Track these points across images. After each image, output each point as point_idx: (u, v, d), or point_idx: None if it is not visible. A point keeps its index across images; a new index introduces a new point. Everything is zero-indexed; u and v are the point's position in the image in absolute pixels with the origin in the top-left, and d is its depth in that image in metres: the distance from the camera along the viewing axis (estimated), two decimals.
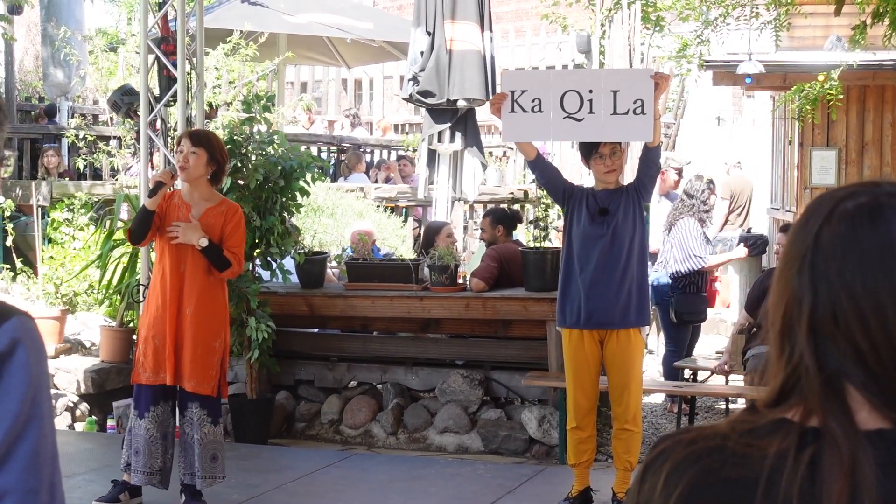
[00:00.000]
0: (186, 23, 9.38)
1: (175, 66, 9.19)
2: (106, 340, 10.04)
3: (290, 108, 18.88)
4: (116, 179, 14.13)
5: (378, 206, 14.56)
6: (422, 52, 11.28)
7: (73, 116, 16.33)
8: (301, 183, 9.21)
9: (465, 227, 14.92)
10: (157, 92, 9.55)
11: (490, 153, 16.46)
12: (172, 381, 6.91)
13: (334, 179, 16.49)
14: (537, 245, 9.28)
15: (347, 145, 18.38)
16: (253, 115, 9.24)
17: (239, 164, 8.97)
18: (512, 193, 14.32)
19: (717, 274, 12.44)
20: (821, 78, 9.89)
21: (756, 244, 14.36)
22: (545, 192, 8.25)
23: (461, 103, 11.16)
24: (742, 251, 11.97)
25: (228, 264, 6.97)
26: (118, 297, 10.54)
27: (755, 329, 9.19)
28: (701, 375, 10.43)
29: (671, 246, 10.58)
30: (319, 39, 19.14)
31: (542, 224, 9.32)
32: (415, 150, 17.03)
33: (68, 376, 9.76)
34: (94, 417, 9.68)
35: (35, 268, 11.53)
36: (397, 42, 17.99)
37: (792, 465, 1.35)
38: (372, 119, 23.97)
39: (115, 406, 9.43)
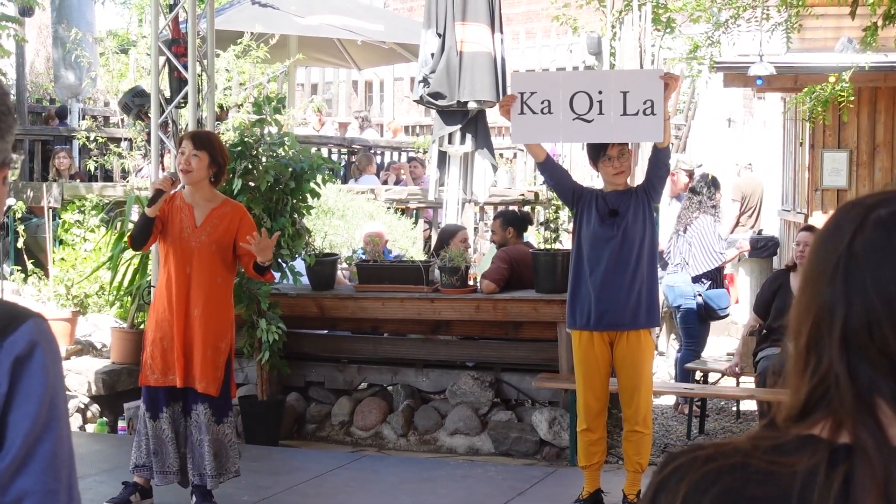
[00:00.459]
0: (197, 24, 9.40)
1: (186, 67, 9.21)
2: (117, 342, 10.05)
3: (300, 109, 18.89)
4: (127, 181, 14.15)
5: (388, 208, 14.57)
6: (432, 54, 11.28)
7: (83, 118, 16.35)
8: (311, 185, 9.21)
9: (476, 229, 14.91)
10: (167, 94, 9.57)
11: (500, 155, 16.46)
12: (183, 383, 6.92)
13: (345, 181, 16.49)
14: (548, 247, 9.27)
15: (358, 147, 18.39)
16: (263, 116, 9.25)
17: (249, 166, 8.98)
18: (522, 195, 14.33)
19: (730, 271, 12.47)
20: (832, 80, 9.87)
21: (766, 246, 14.34)
22: (555, 194, 8.24)
23: (472, 105, 11.16)
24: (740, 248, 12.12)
25: (269, 268, 7.13)
26: (129, 298, 10.56)
27: (765, 331, 9.19)
28: (712, 377, 10.42)
29: (689, 245, 10.60)
30: (330, 41, 19.17)
31: (552, 226, 9.32)
32: (425, 152, 17.03)
33: (79, 378, 9.78)
34: (104, 419, 9.70)
35: (46, 269, 11.56)
36: (408, 44, 18.00)
37: (823, 483, 1.31)
38: (382, 121, 23.98)
39: (126, 407, 9.44)
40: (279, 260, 9.24)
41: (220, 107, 13.37)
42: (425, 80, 11.30)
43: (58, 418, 1.76)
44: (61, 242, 12.32)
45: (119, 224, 11.23)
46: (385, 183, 16.89)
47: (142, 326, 9.80)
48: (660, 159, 7.11)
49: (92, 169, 15.04)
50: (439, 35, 11.23)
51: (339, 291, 9.82)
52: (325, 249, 10.24)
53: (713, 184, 10.97)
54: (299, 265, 9.57)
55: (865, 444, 1.32)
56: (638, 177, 8.16)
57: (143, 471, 7.10)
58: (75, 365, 9.94)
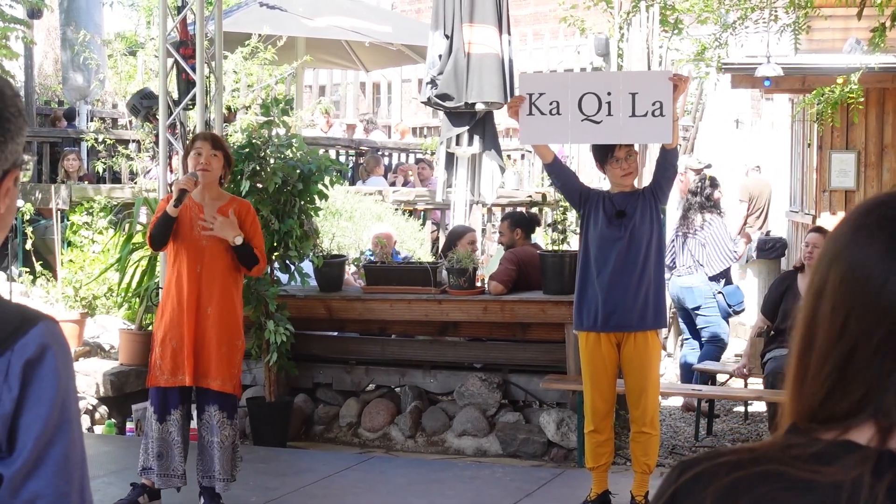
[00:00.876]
0: (205, 26, 9.41)
1: (194, 69, 9.22)
2: (125, 343, 10.06)
3: (308, 111, 18.90)
4: (135, 183, 14.17)
5: (396, 210, 14.57)
6: (440, 56, 11.28)
7: (92, 120, 16.39)
8: (319, 186, 9.22)
9: (484, 231, 14.91)
10: (175, 95, 9.58)
11: (508, 156, 16.46)
12: (192, 382, 6.94)
13: (352, 183, 16.50)
14: (555, 248, 9.27)
15: (366, 148, 18.40)
16: (271, 118, 9.25)
17: (257, 168, 8.98)
18: (530, 197, 14.32)
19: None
20: (840, 81, 9.85)
21: (774, 247, 14.34)
22: (562, 196, 8.24)
23: (479, 106, 11.16)
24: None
25: (257, 261, 7.08)
26: (137, 300, 10.58)
27: (773, 332, 9.18)
28: (720, 378, 10.41)
29: (703, 246, 10.60)
30: (338, 43, 19.17)
31: (560, 227, 9.31)
32: (433, 154, 17.03)
33: (87, 379, 9.79)
34: (113, 420, 9.71)
35: (54, 271, 11.57)
36: (415, 45, 18.00)
37: (869, 494, 1.27)
38: (390, 122, 23.99)
39: (135, 409, 9.45)
40: (287, 261, 9.25)
41: (228, 108, 13.38)
42: (433, 82, 11.30)
43: (69, 420, 1.77)
44: (69, 244, 12.34)
45: (127, 226, 11.25)
46: (393, 184, 16.89)
47: (150, 328, 9.81)
48: (668, 160, 7.11)
49: (100, 171, 15.07)
50: (447, 37, 11.24)
51: (347, 293, 9.82)
52: (332, 251, 10.24)
53: (711, 183, 11.01)
54: (307, 267, 9.58)
55: None
56: (646, 178, 8.15)
57: (150, 473, 7.11)
58: (83, 366, 9.95)
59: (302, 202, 9.23)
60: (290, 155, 9.18)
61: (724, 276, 10.86)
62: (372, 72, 23.29)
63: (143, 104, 10.23)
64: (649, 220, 7.00)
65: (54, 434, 1.74)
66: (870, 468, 1.29)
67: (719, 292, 10.72)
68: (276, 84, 16.55)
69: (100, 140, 14.77)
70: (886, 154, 12.47)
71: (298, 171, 9.08)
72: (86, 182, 14.76)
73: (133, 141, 14.83)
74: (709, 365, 10.46)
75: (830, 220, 11.76)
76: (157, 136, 9.88)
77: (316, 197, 9.27)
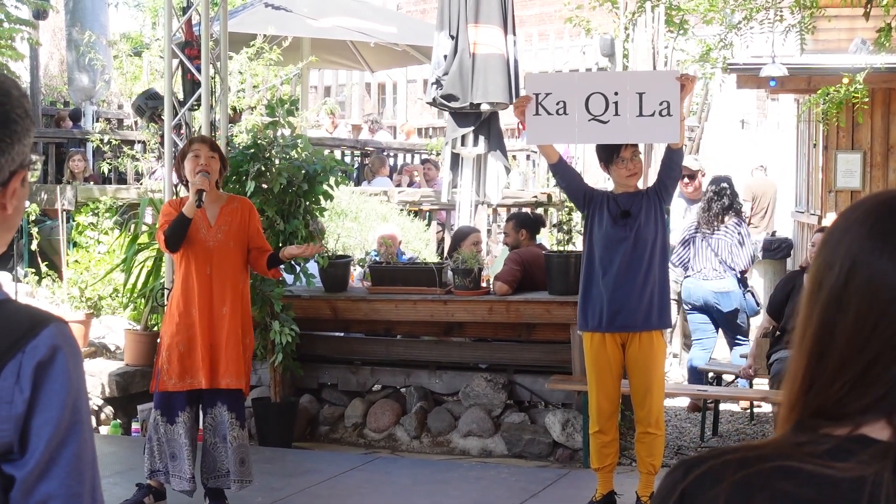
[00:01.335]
0: (210, 27, 9.41)
1: (199, 70, 9.23)
2: (130, 344, 10.07)
3: (313, 112, 18.91)
4: (141, 183, 14.17)
5: (401, 210, 14.57)
6: (445, 56, 11.28)
7: (97, 121, 16.40)
8: (325, 187, 9.22)
9: (489, 231, 14.91)
10: (181, 96, 9.59)
11: (513, 157, 16.45)
12: (209, 384, 6.95)
13: (358, 183, 16.50)
14: (560, 249, 9.26)
15: (371, 149, 18.40)
16: (277, 119, 9.26)
17: (263, 168, 8.99)
18: (535, 197, 14.31)
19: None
20: (845, 81, 9.85)
21: (780, 247, 14.32)
22: (566, 196, 8.24)
23: (484, 107, 11.16)
24: None
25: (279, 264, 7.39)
26: (142, 300, 10.58)
27: (779, 333, 9.16)
28: (725, 379, 10.40)
29: (733, 247, 10.53)
30: (343, 43, 19.18)
31: (565, 227, 9.31)
32: (438, 154, 17.03)
33: (93, 380, 9.80)
34: (118, 421, 9.72)
35: (60, 271, 11.58)
36: (421, 46, 18.00)
37: (890, 487, 1.28)
38: (395, 123, 23.99)
39: (140, 409, 9.46)
40: (292, 262, 9.25)
41: (234, 109, 13.38)
42: (438, 82, 11.30)
43: (81, 421, 1.78)
44: (75, 245, 12.34)
45: (133, 226, 11.25)
46: (398, 185, 16.89)
47: (156, 328, 9.83)
48: (673, 160, 7.10)
49: (106, 171, 15.07)
50: (452, 37, 11.23)
51: (352, 293, 9.83)
52: (338, 251, 10.24)
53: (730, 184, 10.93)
54: (312, 267, 9.58)
55: None
56: (650, 179, 8.15)
57: (159, 475, 7.12)
58: (89, 367, 9.95)
59: (307, 203, 9.24)
60: (296, 155, 9.19)
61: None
62: (377, 72, 23.29)
63: (149, 105, 10.25)
64: (654, 220, 6.99)
65: (66, 435, 1.75)
66: (889, 463, 1.29)
67: (748, 291, 10.72)
68: (282, 85, 16.54)
69: (105, 141, 14.77)
70: (892, 154, 12.46)
71: (304, 171, 9.08)
72: (91, 183, 14.77)
73: (138, 142, 14.83)
74: (714, 365, 10.44)
75: None
76: (162, 136, 9.89)
77: (321, 197, 9.27)
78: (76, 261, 11.56)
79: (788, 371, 1.45)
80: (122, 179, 15.32)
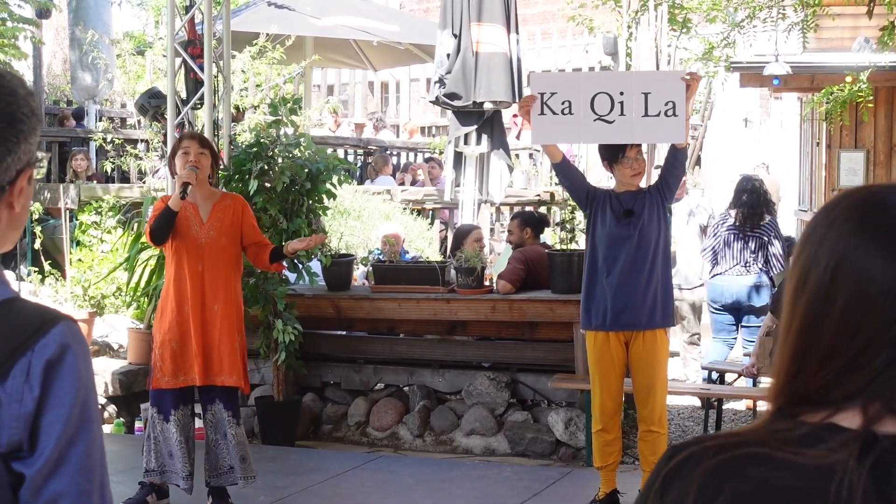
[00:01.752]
0: (213, 26, 9.42)
1: (202, 69, 9.23)
2: (133, 343, 10.08)
3: (316, 110, 18.90)
4: (144, 182, 14.17)
5: (404, 209, 14.57)
6: (448, 55, 11.27)
7: (100, 120, 16.41)
8: (327, 185, 9.23)
9: (492, 230, 14.91)
10: (184, 95, 9.59)
11: (516, 156, 16.45)
12: (203, 381, 6.95)
13: (361, 182, 16.50)
14: (564, 247, 9.27)
15: (374, 148, 18.40)
16: (279, 117, 9.26)
17: (266, 167, 8.99)
18: (538, 196, 14.32)
19: None
20: (849, 79, 9.84)
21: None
22: (569, 195, 8.23)
23: (487, 106, 11.15)
24: None
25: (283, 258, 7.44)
26: (146, 299, 10.58)
27: None
28: (728, 378, 10.39)
29: (769, 245, 10.50)
30: (346, 42, 19.17)
31: (568, 226, 9.31)
32: (441, 153, 17.03)
33: (96, 378, 9.74)
34: (121, 419, 9.73)
35: (63, 270, 11.59)
36: (424, 45, 17.99)
37: (853, 474, 1.31)
38: (398, 122, 23.99)
39: (143, 408, 9.45)
40: (295, 260, 9.25)
41: (237, 108, 13.38)
42: (441, 81, 11.30)
43: (90, 420, 1.79)
44: (78, 243, 12.35)
45: (136, 225, 11.25)
46: (402, 184, 16.90)
47: None
48: (677, 159, 7.11)
49: (109, 170, 15.08)
50: (455, 36, 11.23)
51: (355, 292, 9.83)
52: (341, 250, 10.25)
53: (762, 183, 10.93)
54: (315, 266, 9.58)
55: None
56: (653, 178, 8.15)
57: (153, 475, 7.11)
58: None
59: (310, 201, 9.24)
60: (299, 154, 9.19)
61: None
62: (380, 71, 23.28)
63: (152, 103, 10.25)
64: (657, 218, 6.99)
65: (75, 433, 1.76)
66: (855, 450, 1.32)
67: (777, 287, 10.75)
68: (285, 83, 16.54)
69: (108, 140, 14.78)
70: None
71: (306, 170, 9.08)
72: (94, 182, 14.78)
73: (141, 140, 14.83)
74: (717, 364, 10.44)
75: None
76: (165, 135, 9.90)
77: (324, 196, 9.28)
78: (79, 259, 11.57)
79: (774, 362, 1.48)
80: (125, 178, 15.32)
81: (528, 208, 12.74)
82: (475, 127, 11.41)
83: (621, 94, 7.06)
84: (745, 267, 10.51)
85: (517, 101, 11.01)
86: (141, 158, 14.46)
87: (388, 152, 18.45)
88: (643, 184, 7.31)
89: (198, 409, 7.34)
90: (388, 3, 25.97)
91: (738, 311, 10.68)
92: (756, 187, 10.66)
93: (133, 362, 10.03)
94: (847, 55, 11.76)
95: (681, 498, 1.40)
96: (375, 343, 10.02)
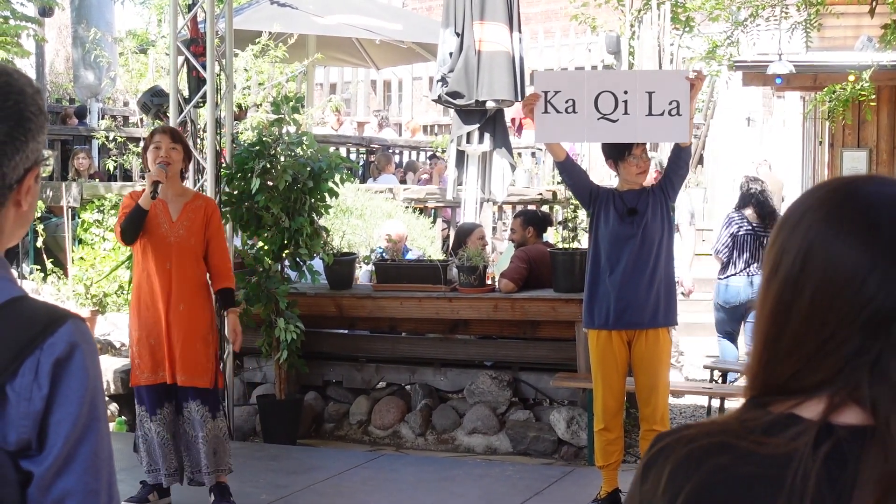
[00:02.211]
0: (216, 24, 9.41)
1: (204, 67, 9.23)
2: None
3: (319, 109, 18.91)
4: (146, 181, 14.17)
5: (407, 207, 14.57)
6: (451, 53, 11.27)
7: (103, 118, 16.41)
8: (330, 184, 9.22)
9: (494, 228, 14.91)
10: (186, 93, 9.58)
11: (518, 154, 16.45)
12: (172, 380, 6.92)
13: (363, 180, 16.50)
14: (566, 246, 9.26)
15: (377, 146, 18.40)
16: (282, 116, 9.25)
17: (268, 166, 8.99)
18: (541, 194, 14.31)
19: None
20: (851, 78, 9.83)
21: None
22: (572, 194, 8.23)
23: (490, 104, 11.15)
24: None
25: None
26: None
27: None
28: (731, 377, 10.39)
29: None
30: (348, 41, 19.17)
31: (570, 225, 9.31)
32: (444, 151, 17.04)
33: None
34: (123, 417, 9.72)
35: (65, 269, 11.59)
36: (426, 43, 17.99)
37: (806, 463, 1.33)
38: (401, 120, 24.00)
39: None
40: (297, 259, 9.25)
41: (239, 106, 13.39)
42: (443, 80, 11.30)
43: (98, 419, 1.79)
44: (80, 242, 12.35)
45: None
46: (403, 182, 16.90)
47: None
48: (681, 158, 7.10)
49: (111, 168, 15.09)
50: (458, 34, 11.23)
51: (358, 291, 9.83)
52: (343, 249, 10.25)
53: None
54: (317, 264, 9.58)
55: (894, 430, 1.32)
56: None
57: (147, 475, 7.11)
58: None
59: (312, 200, 9.24)
60: (301, 153, 9.18)
61: None
62: (383, 69, 23.29)
63: (154, 102, 10.24)
64: (660, 217, 6.99)
65: (83, 432, 1.77)
66: (810, 440, 1.34)
67: None
68: (287, 82, 16.56)
69: (111, 138, 14.79)
70: None
71: (309, 168, 9.08)
72: (97, 180, 14.78)
73: (144, 139, 14.84)
74: (719, 364, 10.44)
75: None
76: None
77: (326, 195, 9.27)
78: (81, 258, 11.57)
79: (749, 351, 1.50)
80: (127, 176, 15.33)
81: (530, 207, 12.72)
82: (477, 125, 11.41)
83: (625, 92, 7.05)
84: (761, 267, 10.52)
85: (519, 99, 11.02)
86: None
87: (391, 151, 18.46)
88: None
89: None
90: (391, 2, 25.97)
91: (746, 308, 10.70)
92: (765, 187, 10.73)
93: None
94: (850, 54, 11.76)
95: (654, 487, 1.43)
96: (377, 342, 10.02)
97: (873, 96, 10.03)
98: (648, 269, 6.95)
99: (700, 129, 18.85)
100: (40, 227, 12.19)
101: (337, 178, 9.28)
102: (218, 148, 9.29)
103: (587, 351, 7.43)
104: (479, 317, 9.46)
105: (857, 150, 12.51)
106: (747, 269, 10.58)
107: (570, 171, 7.25)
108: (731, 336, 10.89)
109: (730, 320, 10.81)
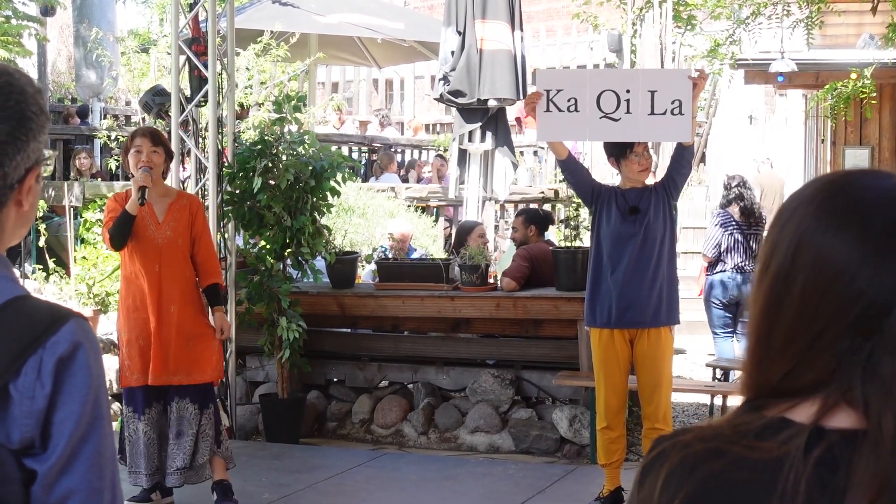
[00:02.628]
0: (217, 23, 9.41)
1: (206, 66, 9.23)
2: None
3: (321, 108, 18.90)
4: None
5: (409, 206, 14.57)
6: (452, 52, 11.27)
7: (105, 117, 16.42)
8: (332, 183, 9.22)
9: (496, 227, 14.91)
10: (188, 92, 9.59)
11: (520, 153, 16.44)
12: (156, 381, 6.89)
13: (365, 179, 16.50)
14: (568, 244, 9.26)
15: (379, 145, 18.40)
16: (284, 115, 9.26)
17: (270, 165, 8.99)
18: (543, 193, 14.31)
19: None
20: (853, 76, 9.83)
21: None
22: (574, 192, 8.23)
23: (492, 103, 11.15)
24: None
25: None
26: None
27: None
28: (734, 375, 10.39)
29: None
30: (350, 39, 19.18)
31: (572, 223, 9.31)
32: (446, 150, 17.03)
33: None
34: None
35: (68, 268, 11.59)
36: (428, 42, 17.99)
37: (797, 468, 1.32)
38: (403, 119, 24.00)
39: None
40: (299, 258, 9.25)
41: (241, 105, 13.39)
42: (445, 78, 11.30)
43: (101, 417, 1.80)
44: (83, 241, 12.35)
45: None
46: (406, 181, 16.90)
47: None
48: (684, 157, 7.09)
49: (113, 168, 15.09)
50: (459, 33, 11.23)
51: (360, 290, 9.83)
52: (345, 248, 10.25)
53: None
54: (319, 263, 9.58)
55: (886, 431, 1.31)
56: (659, 176, 8.14)
57: (138, 477, 7.09)
58: None
59: (314, 199, 9.24)
60: (303, 152, 9.18)
61: None
62: (384, 68, 23.29)
63: (156, 101, 10.24)
64: (662, 216, 6.99)
65: (87, 430, 1.77)
66: (801, 445, 1.33)
67: None
68: (289, 81, 16.55)
69: (113, 137, 14.79)
70: None
71: (311, 167, 9.08)
72: (99, 179, 14.79)
73: (125, 140, 14.82)
74: (722, 362, 10.44)
75: None
76: (169, 133, 9.88)
77: (328, 194, 9.27)
78: (84, 257, 11.57)
79: (744, 350, 1.48)
80: (128, 176, 15.32)
81: (532, 205, 12.72)
82: (479, 124, 11.41)
83: (627, 91, 7.04)
84: (752, 264, 10.59)
85: (521, 98, 11.02)
86: None
87: (393, 150, 18.46)
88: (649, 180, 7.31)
89: None
90: (393, 1, 25.96)
91: (737, 305, 10.77)
92: (748, 185, 10.82)
93: None
94: (852, 52, 11.76)
95: (650, 493, 1.42)
96: (380, 340, 10.03)
97: (875, 94, 10.02)
98: (651, 267, 6.95)
99: (702, 127, 18.84)
100: (42, 227, 12.19)
101: (339, 176, 9.28)
102: (220, 147, 9.29)
103: (589, 349, 7.44)
104: (482, 315, 9.46)
105: (860, 148, 12.51)
106: (738, 265, 10.65)
107: (572, 169, 7.24)
108: (730, 331, 10.92)
109: (724, 315, 10.88)
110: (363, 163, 17.90)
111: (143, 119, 15.21)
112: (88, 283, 10.92)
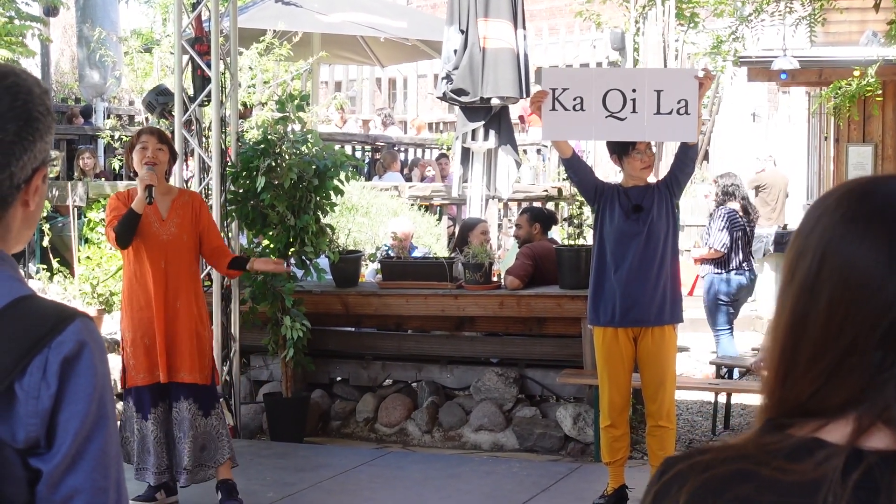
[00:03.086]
0: (220, 23, 9.42)
1: (209, 66, 9.23)
2: None
3: (324, 107, 18.91)
4: None
5: (412, 205, 14.57)
6: (455, 51, 11.27)
7: (108, 117, 16.41)
8: (335, 182, 9.22)
9: (500, 225, 14.91)
10: (191, 92, 9.59)
11: (524, 151, 16.45)
12: (166, 378, 6.92)
13: (369, 178, 16.51)
14: (571, 243, 9.26)
15: (382, 144, 18.41)
16: (287, 114, 9.26)
17: (273, 164, 8.99)
18: (546, 191, 14.32)
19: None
20: (857, 74, 9.83)
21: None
22: (577, 190, 8.23)
23: (495, 101, 11.15)
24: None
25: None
26: None
27: None
28: (737, 373, 10.39)
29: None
30: (353, 39, 19.18)
31: (576, 222, 9.31)
32: (449, 149, 17.04)
33: None
34: None
35: (72, 268, 11.60)
36: (431, 41, 17.99)
37: (836, 492, 1.26)
38: (406, 118, 24.00)
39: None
40: (303, 257, 9.25)
41: (244, 104, 13.40)
42: (448, 77, 11.30)
43: (106, 416, 1.80)
44: (86, 241, 12.36)
45: None
46: (409, 179, 16.90)
47: None
48: (688, 156, 7.09)
49: (116, 168, 15.09)
50: (462, 31, 11.23)
51: (363, 288, 9.83)
52: (348, 246, 10.25)
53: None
54: (323, 262, 9.59)
55: None
56: (661, 174, 8.14)
57: (144, 473, 7.09)
58: None
59: (318, 198, 9.24)
60: (306, 151, 9.18)
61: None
62: (387, 67, 23.30)
63: (159, 101, 10.24)
64: (665, 214, 6.99)
65: (92, 430, 1.77)
66: (839, 467, 1.27)
67: None
68: (292, 80, 16.55)
69: (116, 137, 14.80)
70: None
71: (314, 166, 9.08)
72: (102, 179, 14.80)
73: (129, 138, 14.82)
74: (726, 360, 10.45)
75: None
76: (172, 132, 9.89)
77: (331, 192, 9.27)
78: (88, 257, 11.59)
79: (765, 365, 1.42)
80: (131, 175, 15.32)
81: (535, 204, 12.72)
82: (482, 123, 11.41)
83: (633, 91, 7.04)
84: (754, 261, 10.68)
85: (524, 96, 11.03)
86: None
87: (396, 148, 18.46)
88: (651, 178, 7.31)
89: None
90: (396, 0, 25.97)
91: (736, 302, 10.84)
92: (739, 182, 10.92)
93: None
94: (855, 49, 11.75)
95: None
96: (383, 339, 10.03)
97: (879, 91, 10.02)
98: (654, 266, 6.95)
99: (705, 125, 18.83)
100: (46, 227, 12.20)
101: (342, 175, 9.28)
102: (223, 146, 9.30)
103: (593, 347, 7.44)
104: (485, 314, 9.46)
105: (863, 146, 12.51)
106: (745, 262, 10.73)
107: (575, 167, 7.25)
108: (730, 328, 10.97)
109: (728, 312, 10.92)
110: (366, 162, 17.91)
111: (147, 119, 15.19)
112: (92, 282, 10.93)
